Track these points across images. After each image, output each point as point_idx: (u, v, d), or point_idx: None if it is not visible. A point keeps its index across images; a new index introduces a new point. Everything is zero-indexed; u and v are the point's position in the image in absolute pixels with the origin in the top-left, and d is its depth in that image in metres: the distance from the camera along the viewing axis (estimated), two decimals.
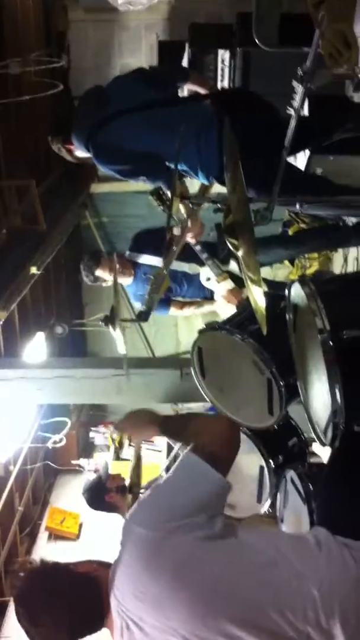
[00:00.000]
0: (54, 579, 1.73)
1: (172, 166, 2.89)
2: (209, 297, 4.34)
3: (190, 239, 3.86)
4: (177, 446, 5.07)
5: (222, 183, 3.29)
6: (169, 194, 3.20)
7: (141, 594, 1.61)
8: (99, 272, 4.36)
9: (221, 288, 4.13)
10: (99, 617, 1.69)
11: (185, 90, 3.86)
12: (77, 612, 1.69)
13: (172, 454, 4.85)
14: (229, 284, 4.10)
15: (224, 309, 4.13)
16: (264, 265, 4.39)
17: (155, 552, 1.62)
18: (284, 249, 4.50)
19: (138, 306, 3.85)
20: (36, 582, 1.73)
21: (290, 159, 3.51)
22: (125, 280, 4.37)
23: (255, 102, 3.53)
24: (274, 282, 4.75)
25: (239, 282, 4.05)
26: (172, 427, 2.11)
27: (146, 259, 4.29)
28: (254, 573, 1.62)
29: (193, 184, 3.80)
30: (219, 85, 5.10)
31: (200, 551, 1.62)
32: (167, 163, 3.30)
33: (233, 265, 4.07)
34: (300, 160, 3.92)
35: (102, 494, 4.29)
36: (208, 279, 4.13)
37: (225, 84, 5.06)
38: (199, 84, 3.74)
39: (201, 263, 4.11)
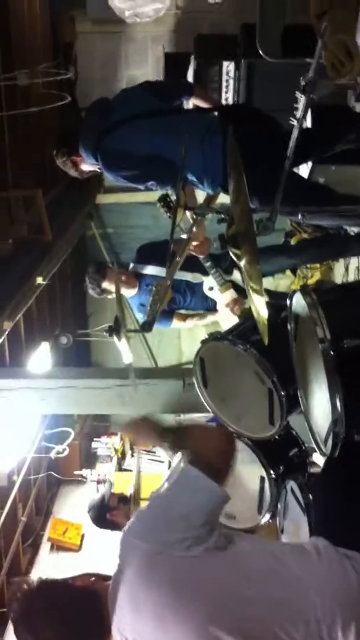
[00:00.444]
0: (53, 594, 1.70)
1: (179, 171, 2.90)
2: (211, 307, 4.34)
3: (196, 254, 3.87)
4: (176, 458, 5.07)
5: (227, 191, 3.31)
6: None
7: (140, 609, 1.59)
8: (105, 285, 4.36)
9: (224, 298, 4.13)
10: (101, 631, 1.66)
11: (190, 104, 3.89)
12: (79, 626, 1.66)
13: (173, 465, 4.85)
14: (231, 294, 4.11)
15: (227, 319, 4.14)
16: (267, 275, 4.39)
17: (154, 566, 1.60)
18: (286, 258, 4.51)
19: (141, 317, 3.85)
20: (36, 600, 1.69)
21: (294, 169, 3.52)
22: (129, 292, 4.38)
23: (259, 115, 3.57)
24: (275, 292, 4.75)
25: (242, 292, 4.06)
26: (170, 437, 2.11)
27: (150, 270, 4.29)
28: (254, 584, 1.61)
29: (198, 195, 3.82)
30: (224, 97, 5.13)
31: (200, 564, 1.60)
32: (173, 167, 3.32)
33: (236, 275, 4.08)
34: (302, 170, 3.94)
35: (105, 512, 4.38)
36: (211, 289, 4.14)
37: (230, 95, 5.10)
38: (204, 98, 3.78)
39: (204, 272, 4.12)
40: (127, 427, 2.30)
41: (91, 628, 1.67)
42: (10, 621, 1.70)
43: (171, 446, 2.08)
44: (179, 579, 1.58)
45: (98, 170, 3.78)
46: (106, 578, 1.72)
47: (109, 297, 4.52)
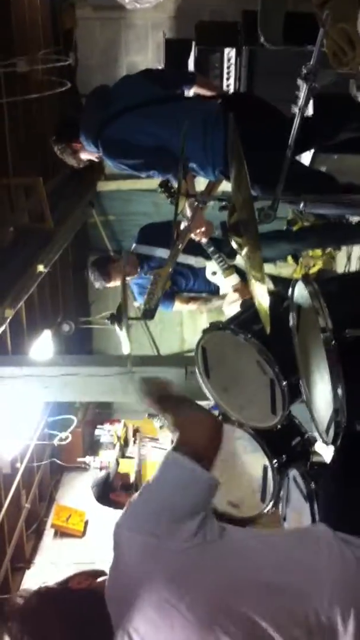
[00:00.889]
0: (58, 604, 1.68)
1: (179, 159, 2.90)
2: (214, 291, 4.34)
3: (199, 237, 3.87)
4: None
5: (229, 178, 3.31)
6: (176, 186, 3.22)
7: (139, 603, 1.57)
8: (111, 284, 4.40)
9: (227, 283, 4.12)
10: (108, 629, 1.63)
11: (191, 93, 3.88)
12: (90, 630, 1.65)
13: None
14: (234, 279, 4.11)
15: (231, 305, 4.13)
16: (268, 261, 4.39)
17: (151, 559, 1.59)
18: (288, 243, 4.50)
19: (141, 300, 3.86)
20: (44, 613, 1.66)
21: (295, 158, 3.52)
22: (133, 275, 4.37)
23: (261, 103, 3.56)
24: (280, 278, 4.74)
25: (245, 276, 4.05)
26: (167, 408, 2.09)
27: (152, 251, 4.28)
28: (253, 572, 1.61)
29: (199, 183, 3.81)
30: (225, 84, 5.11)
31: (197, 554, 1.60)
32: (175, 155, 3.31)
33: (239, 260, 4.07)
34: (304, 159, 3.93)
35: (108, 491, 4.36)
36: (214, 273, 4.14)
37: (232, 82, 5.08)
38: (206, 87, 3.77)
39: (207, 257, 4.12)
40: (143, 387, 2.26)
41: (99, 628, 1.64)
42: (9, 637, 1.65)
43: (163, 414, 2.07)
44: (178, 572, 1.58)
45: (96, 159, 3.77)
46: (99, 574, 1.70)
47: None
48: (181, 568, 1.58)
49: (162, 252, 4.15)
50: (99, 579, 1.69)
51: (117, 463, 4.64)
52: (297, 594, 1.58)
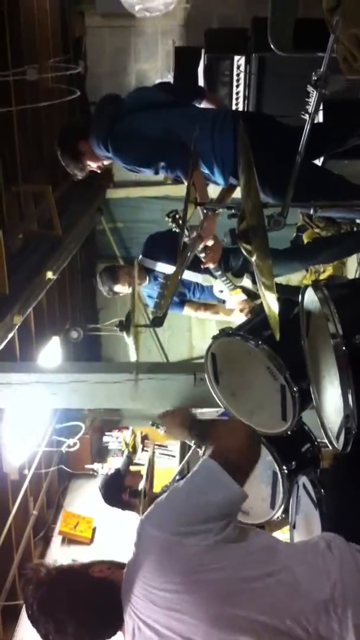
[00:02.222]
0: (72, 583, 1.74)
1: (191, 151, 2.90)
2: (222, 301, 4.34)
3: (207, 262, 3.85)
4: (189, 453, 5.09)
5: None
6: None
7: (154, 595, 1.62)
8: (117, 288, 4.39)
9: (234, 299, 4.13)
10: (118, 621, 1.70)
11: (202, 106, 3.91)
12: (99, 617, 1.70)
13: (185, 459, 4.85)
14: (241, 296, 4.11)
15: (239, 320, 4.13)
16: (279, 276, 4.40)
17: (169, 555, 1.63)
18: (299, 262, 4.50)
19: (151, 304, 3.85)
20: (56, 586, 1.72)
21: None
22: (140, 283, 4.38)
23: (271, 118, 3.58)
24: (288, 287, 4.74)
25: (252, 297, 4.06)
26: (199, 431, 2.11)
27: (159, 267, 4.28)
28: (267, 577, 1.61)
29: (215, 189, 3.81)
30: (234, 92, 5.12)
31: (214, 555, 1.62)
32: (186, 145, 3.30)
33: (246, 281, 4.08)
34: (315, 161, 3.92)
35: (118, 491, 4.26)
36: (221, 292, 4.14)
37: (241, 89, 5.08)
38: (214, 103, 3.80)
39: (214, 275, 4.12)
40: (162, 417, 2.28)
41: (107, 616, 1.70)
42: (23, 612, 1.75)
43: (197, 440, 2.08)
44: (194, 569, 1.61)
45: (98, 168, 3.77)
46: (121, 566, 1.74)
47: (121, 295, 4.53)
48: (196, 567, 1.60)
49: (166, 268, 4.15)
50: (119, 571, 1.72)
51: (129, 458, 4.50)
52: (307, 601, 1.58)
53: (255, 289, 3.85)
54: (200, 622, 1.57)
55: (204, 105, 3.80)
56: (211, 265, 3.88)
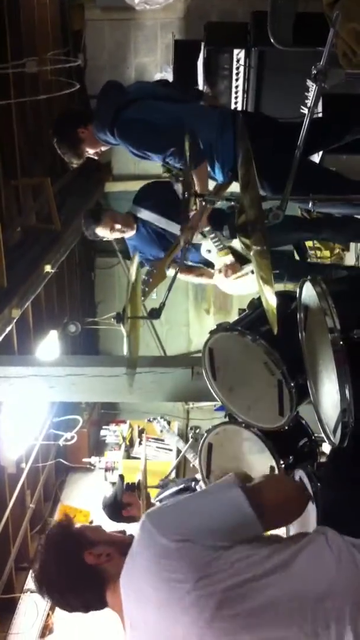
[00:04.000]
0: (64, 557, 1.80)
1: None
2: (209, 265, 4.21)
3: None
4: (186, 446, 5.10)
5: (238, 178, 3.31)
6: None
7: (145, 602, 1.62)
8: (99, 231, 4.12)
9: (221, 261, 4.03)
10: (96, 603, 1.76)
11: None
12: (73, 591, 1.78)
13: (181, 454, 4.89)
14: (228, 259, 4.01)
15: (222, 283, 4.05)
16: (279, 246, 4.30)
17: (167, 561, 1.61)
18: (299, 230, 4.39)
19: (137, 259, 3.69)
20: (52, 548, 1.82)
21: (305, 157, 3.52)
22: (128, 234, 4.21)
23: (269, 117, 3.58)
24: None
25: (240, 259, 3.97)
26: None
27: (148, 216, 4.12)
28: (265, 576, 1.61)
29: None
30: (234, 85, 5.11)
31: (211, 566, 1.60)
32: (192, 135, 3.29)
33: (236, 242, 3.99)
34: (313, 155, 3.92)
35: (119, 511, 4.42)
36: (209, 251, 4.03)
37: (240, 83, 5.07)
38: (212, 103, 3.79)
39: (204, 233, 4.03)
40: None
41: (86, 599, 1.77)
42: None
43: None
44: (190, 579, 1.58)
45: (99, 152, 3.74)
46: (125, 552, 1.72)
47: (104, 239, 4.35)
48: (192, 578, 1.59)
49: (150, 217, 4.04)
50: (118, 559, 1.73)
51: (122, 479, 4.66)
52: (306, 600, 1.57)
53: (244, 252, 3.72)
54: (196, 622, 1.57)
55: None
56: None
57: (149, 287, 3.09)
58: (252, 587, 1.58)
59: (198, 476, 4.68)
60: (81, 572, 1.76)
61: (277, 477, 2.02)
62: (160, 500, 4.41)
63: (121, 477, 4.79)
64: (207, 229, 3.87)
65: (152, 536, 1.64)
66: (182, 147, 3.39)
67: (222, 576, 1.58)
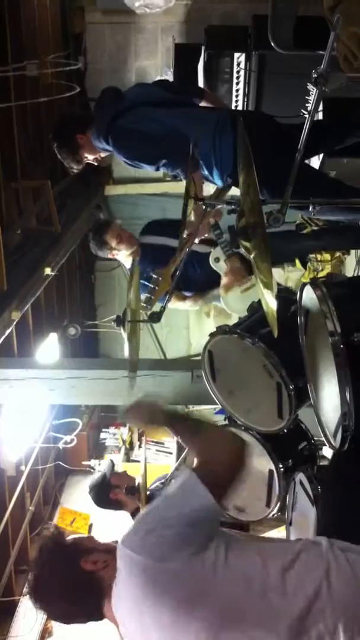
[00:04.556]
0: (60, 566, 1.79)
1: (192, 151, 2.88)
2: (214, 283, 4.21)
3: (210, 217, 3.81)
4: (186, 450, 5.07)
5: (237, 184, 3.31)
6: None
7: (145, 622, 1.61)
8: (108, 238, 4.21)
9: (228, 268, 4.02)
10: (94, 612, 1.75)
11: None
12: (71, 601, 1.77)
13: (183, 455, 4.85)
14: (236, 264, 4.01)
15: (230, 291, 4.04)
16: (279, 262, 4.31)
17: (154, 580, 1.61)
18: (299, 242, 4.41)
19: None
20: (47, 560, 1.81)
21: (305, 161, 3.51)
22: (128, 252, 4.26)
23: (270, 117, 3.58)
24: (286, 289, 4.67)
25: (249, 266, 3.97)
26: (180, 430, 2.10)
27: (157, 240, 4.18)
28: (256, 586, 1.60)
29: (208, 188, 3.80)
30: (234, 89, 5.12)
31: (200, 576, 1.61)
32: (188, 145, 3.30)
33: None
34: (313, 163, 3.92)
35: (107, 492, 4.27)
36: (217, 260, 4.04)
37: (241, 87, 5.08)
38: (214, 102, 3.79)
39: (212, 243, 4.04)
40: (126, 414, 2.25)
41: (84, 608, 1.76)
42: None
43: (178, 437, 2.06)
44: (182, 593, 1.59)
45: (95, 161, 3.75)
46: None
47: (109, 255, 4.37)
48: (185, 590, 1.59)
49: (167, 240, 4.06)
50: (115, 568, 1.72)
51: (112, 463, 4.55)
52: (298, 607, 1.57)
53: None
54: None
55: (203, 104, 3.80)
56: (212, 221, 3.81)
57: (154, 296, 3.09)
58: (245, 599, 1.58)
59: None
60: (78, 580, 1.75)
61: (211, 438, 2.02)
62: (151, 492, 4.29)
63: (111, 461, 4.71)
64: (217, 232, 3.88)
65: (134, 560, 1.63)
66: (175, 159, 3.41)
67: (211, 593, 1.59)
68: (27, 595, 1.81)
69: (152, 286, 3.02)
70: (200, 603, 1.58)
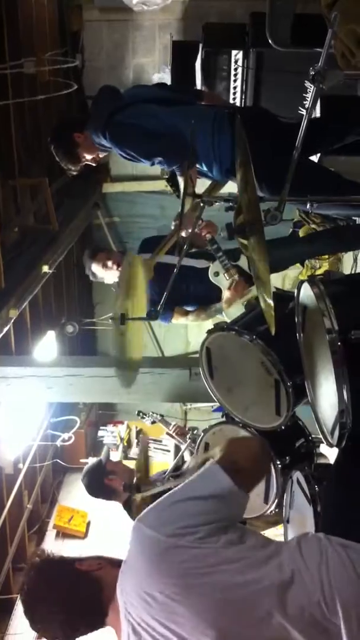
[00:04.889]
0: (55, 573, 1.77)
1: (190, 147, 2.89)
2: (215, 298, 4.25)
3: (205, 233, 3.83)
4: (184, 446, 5.08)
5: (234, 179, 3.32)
6: (181, 181, 3.20)
7: (149, 597, 1.61)
8: (93, 267, 4.24)
9: (227, 284, 4.06)
10: (98, 616, 1.71)
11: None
12: (72, 608, 1.71)
13: (180, 453, 4.85)
14: (236, 278, 4.05)
15: (232, 306, 4.07)
16: (277, 270, 4.35)
17: (164, 555, 1.62)
18: (297, 249, 4.45)
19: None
20: (39, 574, 1.77)
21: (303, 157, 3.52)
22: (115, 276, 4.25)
23: (269, 113, 3.58)
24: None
25: (248, 278, 4.01)
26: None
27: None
28: (260, 579, 1.61)
29: (205, 184, 3.81)
30: (232, 87, 5.12)
31: (210, 557, 1.62)
32: (185, 143, 3.30)
33: (243, 261, 4.03)
34: (311, 156, 3.91)
35: (101, 478, 4.22)
36: (216, 274, 4.07)
37: (239, 84, 5.08)
38: (213, 101, 3.79)
39: (210, 258, 4.07)
40: None
41: (86, 612, 1.72)
42: (16, 606, 1.81)
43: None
44: (190, 570, 1.60)
45: (97, 158, 3.76)
46: (117, 564, 1.74)
47: (104, 280, 4.39)
48: (191, 568, 1.60)
49: (165, 259, 4.09)
50: (110, 568, 1.73)
51: (109, 449, 4.52)
52: (299, 601, 1.57)
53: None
54: (197, 624, 1.57)
55: (203, 104, 3.80)
56: (209, 236, 3.85)
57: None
58: (248, 593, 1.59)
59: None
60: (76, 582, 1.74)
61: (238, 439, 2.05)
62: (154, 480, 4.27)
63: (108, 449, 4.68)
64: (214, 247, 3.91)
65: (148, 536, 1.65)
66: (172, 156, 3.42)
67: (218, 577, 1.59)
68: (25, 617, 1.74)
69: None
70: (199, 585, 1.59)
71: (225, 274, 3.99)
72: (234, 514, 1.75)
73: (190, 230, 3.61)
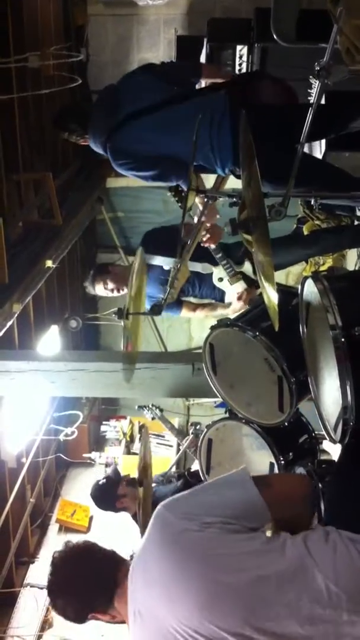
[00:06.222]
0: (85, 550, 1.86)
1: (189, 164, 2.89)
2: (219, 298, 4.28)
3: (207, 244, 3.86)
4: (186, 441, 5.09)
5: (237, 176, 3.31)
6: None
7: (151, 578, 1.65)
8: (98, 290, 4.35)
9: (233, 290, 4.10)
10: (109, 589, 1.76)
11: (202, 84, 3.87)
12: (91, 578, 1.80)
13: (182, 448, 4.87)
14: (240, 286, 4.08)
15: (237, 312, 4.10)
16: (280, 268, 4.36)
17: (174, 539, 1.65)
18: (300, 248, 4.45)
19: (147, 305, 3.78)
20: (68, 555, 1.86)
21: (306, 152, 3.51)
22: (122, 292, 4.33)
23: (274, 87, 3.55)
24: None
25: (252, 283, 4.03)
26: None
27: (158, 260, 4.22)
28: (264, 567, 1.62)
29: (209, 178, 3.80)
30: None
31: (213, 542, 1.64)
32: (184, 161, 3.31)
33: (247, 267, 4.05)
34: (315, 153, 3.90)
35: (111, 499, 4.36)
36: (220, 279, 4.10)
37: None
38: (214, 75, 3.75)
39: (214, 263, 4.09)
40: None
41: (99, 589, 1.78)
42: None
43: None
44: (194, 557, 1.63)
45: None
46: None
47: (109, 295, 4.45)
48: (197, 555, 1.63)
49: (169, 262, 4.09)
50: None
51: (116, 465, 4.63)
52: (304, 593, 1.58)
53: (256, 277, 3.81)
54: (194, 611, 1.58)
55: (204, 82, 3.76)
56: (212, 246, 3.87)
57: (174, 287, 3.12)
58: (249, 574, 1.60)
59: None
60: (102, 557, 1.84)
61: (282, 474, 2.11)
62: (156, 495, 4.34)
63: (115, 466, 4.77)
64: (219, 255, 3.95)
65: (164, 518, 1.70)
66: (174, 177, 3.44)
67: (221, 565, 1.61)
68: (46, 591, 1.88)
69: (172, 279, 3.04)
70: (208, 569, 1.61)
71: (229, 280, 4.03)
72: (248, 519, 1.74)
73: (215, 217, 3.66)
